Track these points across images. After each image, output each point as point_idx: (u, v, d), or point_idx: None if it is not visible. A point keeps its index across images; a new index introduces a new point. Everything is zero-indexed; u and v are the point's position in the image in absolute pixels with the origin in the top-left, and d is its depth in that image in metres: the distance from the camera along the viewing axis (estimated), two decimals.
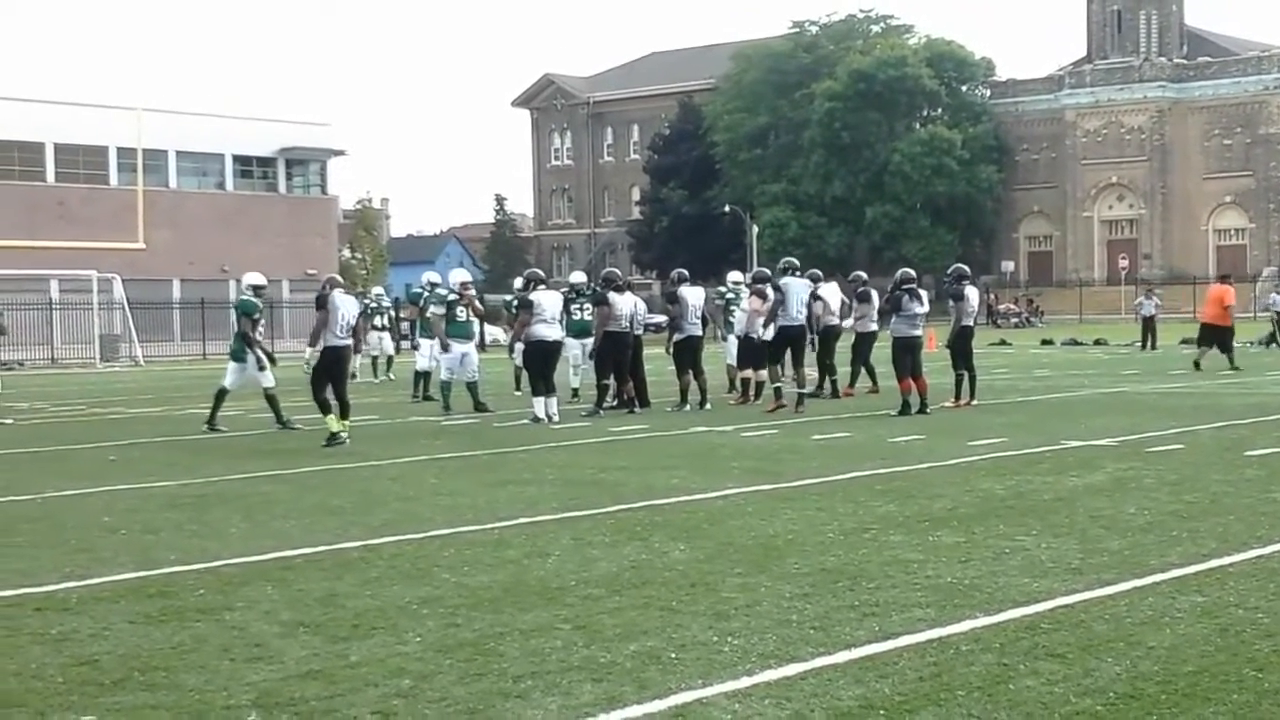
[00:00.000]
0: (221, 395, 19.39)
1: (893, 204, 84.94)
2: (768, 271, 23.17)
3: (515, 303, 22.48)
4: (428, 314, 24.54)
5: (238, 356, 19.32)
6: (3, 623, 7.46)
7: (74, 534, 10.43)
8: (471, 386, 21.55)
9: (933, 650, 6.51)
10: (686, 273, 22.62)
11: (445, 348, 21.59)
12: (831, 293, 22.95)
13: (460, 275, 22.62)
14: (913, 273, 20.95)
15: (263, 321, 19.17)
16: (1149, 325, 41.06)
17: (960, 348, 20.88)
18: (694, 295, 21.70)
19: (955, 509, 10.78)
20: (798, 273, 21.37)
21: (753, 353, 21.48)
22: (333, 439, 16.51)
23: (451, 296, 21.78)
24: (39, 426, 21.68)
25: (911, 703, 5.69)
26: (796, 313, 20.49)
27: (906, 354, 19.72)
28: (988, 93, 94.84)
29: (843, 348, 23.31)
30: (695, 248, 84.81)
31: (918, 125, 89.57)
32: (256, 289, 19.65)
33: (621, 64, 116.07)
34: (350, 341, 17.02)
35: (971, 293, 21.14)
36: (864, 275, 25.40)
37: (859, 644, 6.63)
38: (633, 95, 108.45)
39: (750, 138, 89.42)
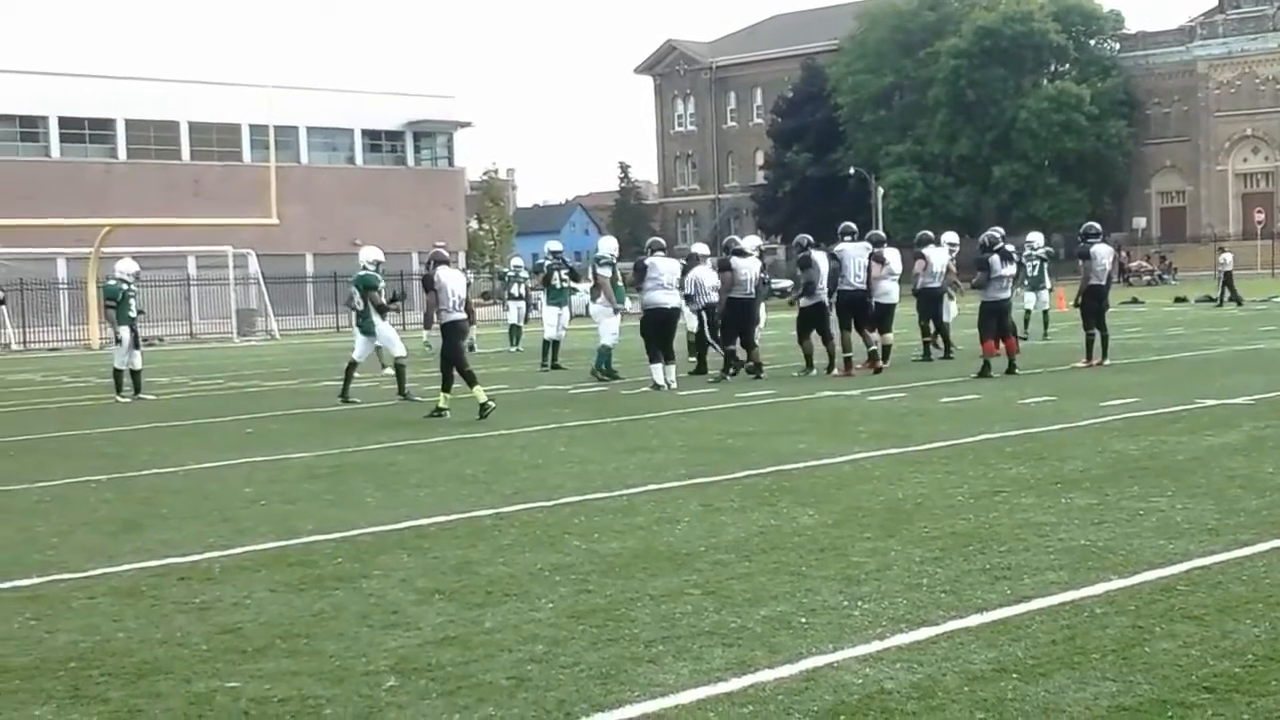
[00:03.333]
0: (352, 368, 19.71)
1: (1020, 162, 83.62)
2: (930, 234, 23.17)
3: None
4: (554, 282, 24.70)
5: (365, 329, 19.61)
6: (149, 592, 7.69)
7: (215, 505, 10.70)
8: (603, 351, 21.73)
9: (1066, 613, 6.47)
10: (811, 238, 22.36)
11: (615, 310, 21.73)
12: (939, 256, 22.85)
13: (611, 244, 22.80)
14: (999, 233, 20.52)
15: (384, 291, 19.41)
16: (1228, 280, 43.66)
17: (1090, 307, 20.58)
18: (823, 260, 21.38)
19: (1088, 470, 10.66)
20: (854, 237, 21.22)
21: (877, 316, 21.36)
22: (439, 412, 16.71)
23: (614, 260, 21.96)
24: (179, 400, 22.18)
25: (1045, 666, 5.67)
26: (854, 277, 20.45)
27: (993, 317, 19.51)
28: (1116, 46, 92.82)
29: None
30: (820, 211, 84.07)
31: (1045, 81, 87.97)
32: (377, 264, 19.95)
33: (744, 27, 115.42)
34: (464, 315, 17.15)
35: (1101, 251, 20.77)
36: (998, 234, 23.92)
37: (991, 607, 6.61)
38: (755, 59, 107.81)
39: (875, 98, 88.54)
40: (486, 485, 11.19)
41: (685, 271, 21.07)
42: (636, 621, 6.62)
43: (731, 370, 20.54)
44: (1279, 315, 35.23)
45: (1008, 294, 19.97)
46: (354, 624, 6.80)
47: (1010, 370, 19.32)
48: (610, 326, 21.76)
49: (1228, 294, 43.71)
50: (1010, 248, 20.57)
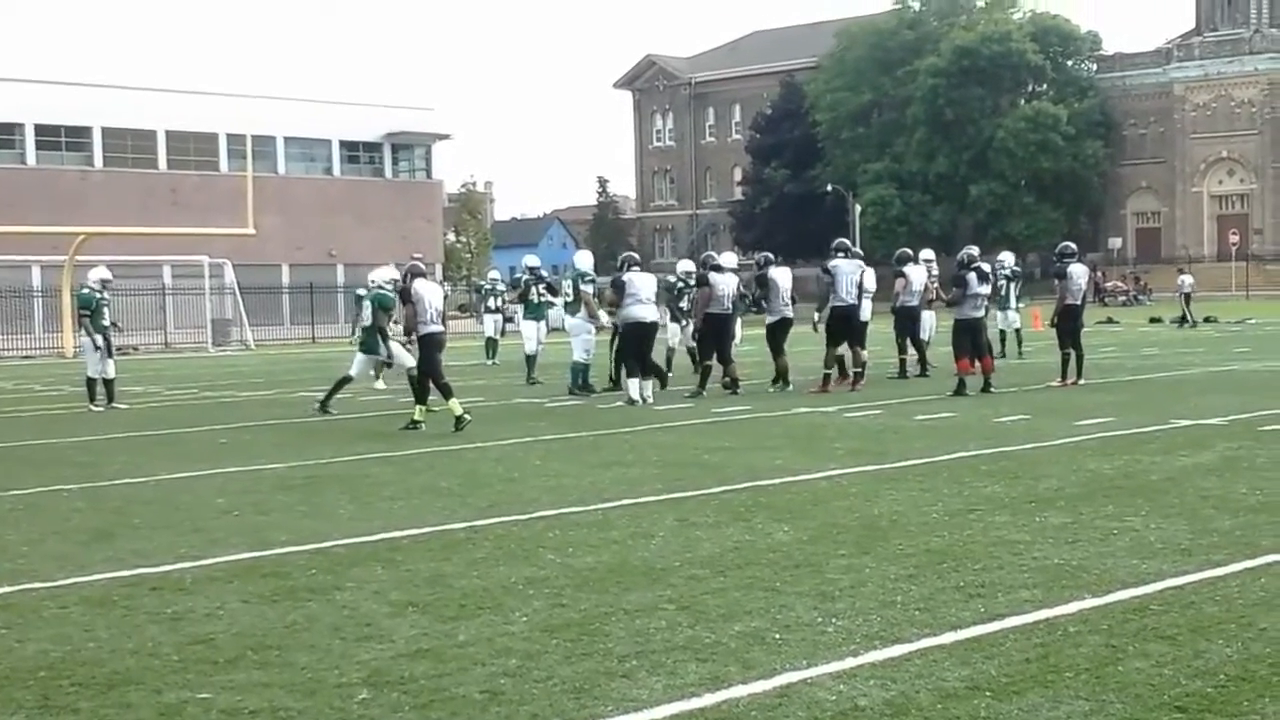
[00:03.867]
0: (343, 382, 19.52)
1: (997, 181, 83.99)
2: (909, 252, 23.25)
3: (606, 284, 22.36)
4: (531, 296, 24.66)
5: (368, 348, 19.27)
6: (121, 602, 7.64)
7: (188, 515, 10.65)
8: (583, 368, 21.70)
9: (1040, 632, 6.48)
10: (773, 255, 22.56)
11: (598, 327, 21.68)
12: (918, 274, 22.93)
13: (587, 259, 22.76)
14: (974, 251, 20.80)
15: (395, 314, 19.03)
16: (1186, 301, 44.99)
17: (1066, 326, 20.68)
18: (783, 277, 21.64)
19: (1062, 489, 10.68)
20: (847, 254, 21.29)
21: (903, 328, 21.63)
22: (414, 425, 16.69)
23: (591, 278, 21.85)
24: (153, 410, 22.10)
25: (1018, 684, 5.67)
26: (845, 293, 20.53)
27: (967, 335, 19.64)
28: (1094, 67, 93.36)
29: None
30: (797, 228, 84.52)
31: (1022, 101, 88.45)
32: (394, 283, 19.49)
33: (724, 44, 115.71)
34: (441, 327, 17.10)
35: (1076, 271, 20.89)
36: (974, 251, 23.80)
37: (964, 625, 6.61)
38: (735, 75, 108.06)
39: (853, 116, 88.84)
40: (461, 498, 11.17)
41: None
42: (610, 636, 6.61)
43: (702, 387, 20.51)
44: (1253, 337, 35.41)
45: (982, 312, 20.11)
46: (327, 636, 6.77)
47: (986, 389, 19.40)
48: (585, 343, 21.74)
49: (1188, 314, 44.69)
50: (987, 266, 20.73)
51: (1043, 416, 16.25)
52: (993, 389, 19.47)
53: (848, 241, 22.36)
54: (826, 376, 20.55)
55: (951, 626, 6.59)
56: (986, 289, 20.15)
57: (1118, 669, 5.85)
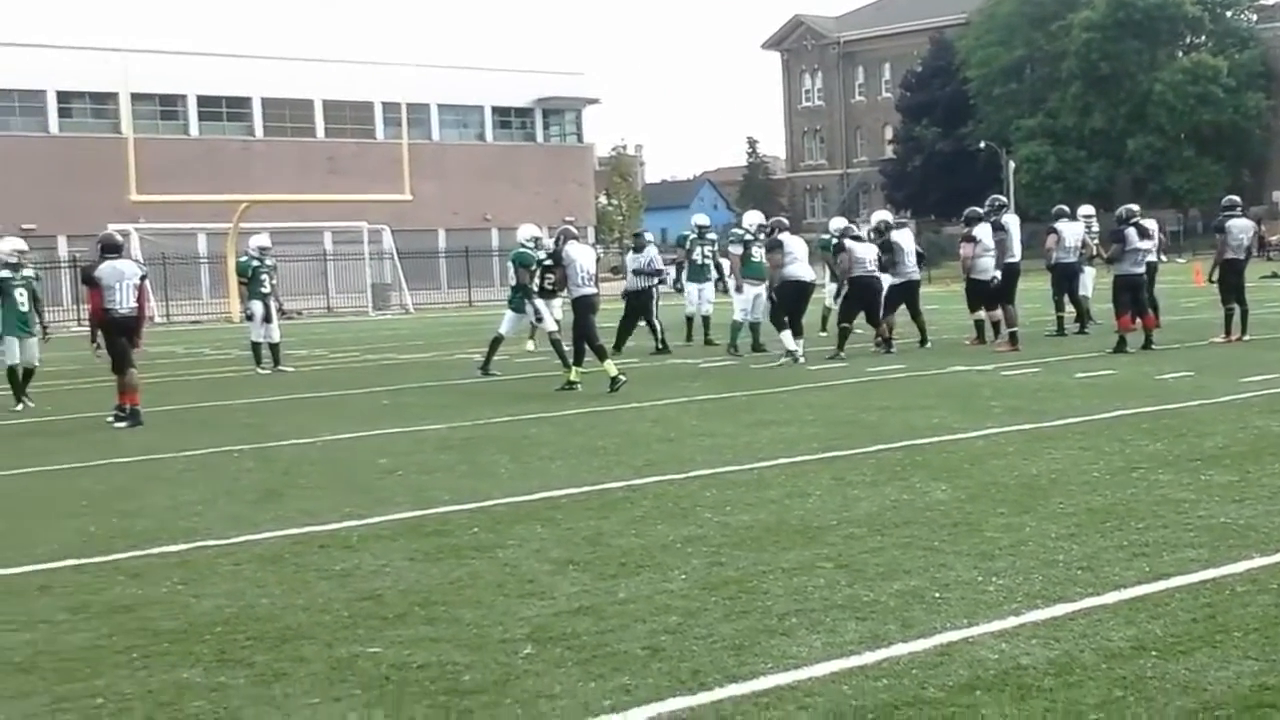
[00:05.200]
0: (497, 342, 19.89)
1: (1155, 135, 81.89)
2: (979, 211, 22.72)
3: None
4: (696, 256, 24.58)
5: (515, 306, 19.65)
6: (291, 559, 7.86)
7: (353, 475, 10.90)
8: (755, 327, 21.69)
9: (1206, 591, 6.38)
10: (890, 220, 22.39)
11: (739, 288, 21.65)
12: (1073, 230, 22.49)
13: (757, 217, 22.45)
14: (1134, 208, 20.39)
15: (538, 271, 19.29)
16: None
17: (1229, 281, 20.22)
18: (906, 239, 21.78)
19: (1228, 447, 10.47)
20: (1008, 210, 21.16)
21: (978, 294, 21.25)
22: (570, 385, 16.86)
23: (748, 237, 21.66)
24: (318, 373, 22.57)
25: (1185, 644, 5.59)
26: (1016, 250, 20.43)
27: (1128, 291, 19.30)
28: (1254, 18, 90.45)
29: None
30: (949, 185, 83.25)
31: (1180, 53, 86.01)
32: (535, 241, 19.81)
33: (872, 2, 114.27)
34: (595, 290, 17.24)
35: (1237, 225, 20.34)
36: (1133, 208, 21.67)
37: (1128, 584, 6.53)
38: (883, 33, 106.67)
39: (1005, 72, 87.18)
40: (618, 458, 11.27)
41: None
42: (769, 594, 6.64)
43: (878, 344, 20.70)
44: None
45: (1143, 268, 19.77)
46: (490, 593, 6.90)
47: (1147, 346, 19.06)
48: (741, 302, 21.72)
49: None
50: (1148, 222, 20.33)
51: (1207, 373, 15.92)
52: (1154, 346, 19.11)
53: (1003, 199, 22.12)
54: (1013, 335, 20.32)
55: (1115, 586, 6.52)
56: (1148, 244, 19.81)
57: None
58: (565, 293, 17.87)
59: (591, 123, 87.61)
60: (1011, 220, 21.22)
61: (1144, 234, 19.57)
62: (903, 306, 21.33)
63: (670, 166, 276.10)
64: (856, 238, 21.11)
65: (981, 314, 21.34)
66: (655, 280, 23.71)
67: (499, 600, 6.75)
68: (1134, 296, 19.42)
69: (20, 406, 17.13)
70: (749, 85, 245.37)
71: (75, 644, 6.27)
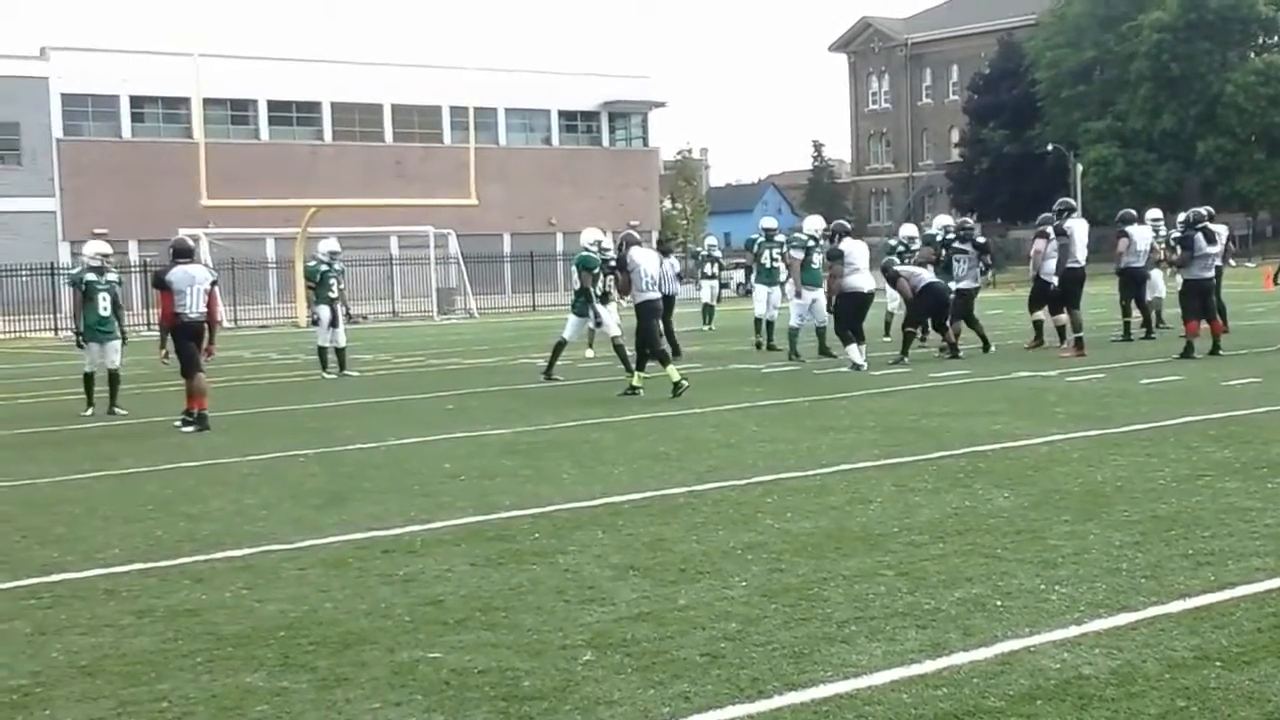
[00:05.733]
0: (560, 347, 19.94)
1: (1226, 137, 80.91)
2: (1133, 212, 22.75)
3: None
4: (764, 260, 24.56)
5: (578, 310, 19.70)
6: (354, 564, 7.92)
7: (417, 479, 10.96)
8: (820, 332, 21.64)
9: (1273, 601, 6.32)
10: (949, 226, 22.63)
11: (798, 293, 21.59)
12: (1143, 234, 22.34)
13: (819, 223, 22.40)
14: (1204, 211, 20.15)
15: (601, 275, 19.36)
16: None
17: None
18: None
19: None
20: (1076, 213, 21.05)
21: (1041, 296, 21.16)
22: (632, 390, 16.86)
23: (810, 243, 21.60)
24: (383, 377, 22.71)
25: (1250, 654, 5.54)
26: (1079, 255, 20.26)
27: (1197, 297, 19.13)
28: None
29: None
30: (1016, 189, 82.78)
31: (1252, 54, 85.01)
32: (598, 245, 19.84)
33: (940, 3, 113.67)
34: (658, 295, 17.23)
35: None
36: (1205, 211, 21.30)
37: (1193, 594, 6.48)
38: (952, 35, 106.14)
39: (1074, 74, 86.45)
40: (680, 463, 11.28)
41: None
42: (829, 601, 6.63)
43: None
44: None
45: (1212, 273, 19.56)
46: (551, 598, 6.93)
47: (1214, 352, 18.87)
48: (798, 307, 21.68)
49: None
50: (1217, 227, 20.12)
51: (1274, 380, 15.74)
52: (1221, 352, 18.91)
53: (1072, 201, 22.01)
54: (1079, 340, 20.19)
55: (1180, 595, 6.46)
56: (1216, 249, 19.57)
57: None
58: (629, 298, 17.90)
59: (657, 126, 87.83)
60: (1078, 224, 21.09)
61: (1211, 239, 19.37)
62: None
63: (735, 170, 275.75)
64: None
65: (1040, 315, 21.23)
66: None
67: (559, 606, 6.78)
68: (1203, 302, 19.25)
69: (89, 411, 17.31)
70: (815, 88, 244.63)
71: (140, 648, 6.35)
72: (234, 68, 63.22)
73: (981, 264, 21.84)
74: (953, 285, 21.26)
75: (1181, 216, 22.57)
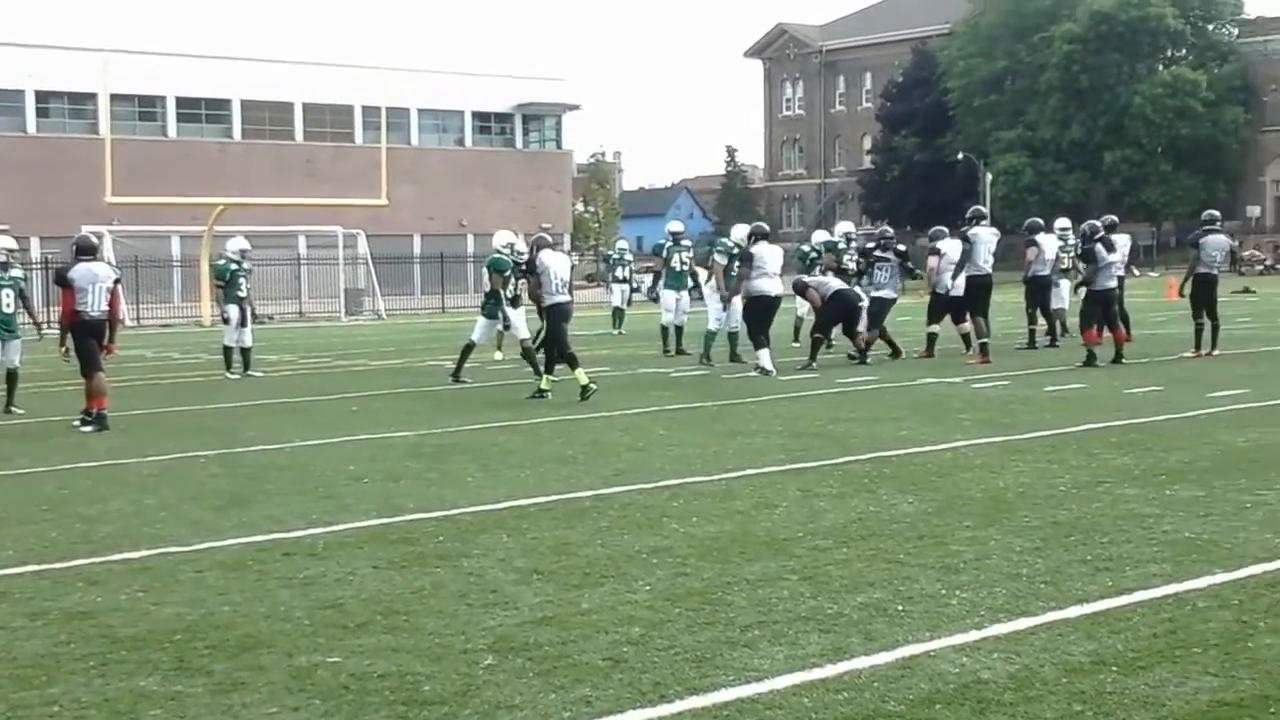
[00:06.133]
0: (468, 349, 19.82)
1: (1133, 148, 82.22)
2: (1040, 221, 23.17)
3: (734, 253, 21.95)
4: (674, 264, 24.57)
5: (488, 312, 19.61)
6: (254, 566, 7.82)
7: (320, 482, 10.85)
8: (731, 337, 21.67)
9: (1168, 606, 6.40)
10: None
11: (726, 300, 21.51)
12: (1050, 243, 22.68)
13: (744, 231, 22.29)
14: (1097, 223, 20.80)
15: (513, 279, 19.30)
16: None
17: (1200, 296, 20.31)
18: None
19: (1194, 462, 10.51)
20: (984, 221, 21.30)
21: (939, 308, 21.41)
22: (540, 394, 16.82)
23: (736, 250, 21.56)
24: (287, 378, 22.48)
25: (1145, 659, 5.61)
26: (984, 262, 20.53)
27: (1099, 306, 19.49)
28: (1235, 32, 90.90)
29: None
30: (926, 196, 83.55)
31: (1160, 67, 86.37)
32: (511, 247, 19.78)
33: (855, 11, 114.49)
34: (568, 297, 17.20)
35: (1212, 241, 20.43)
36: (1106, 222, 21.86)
37: (1091, 599, 6.55)
38: (866, 43, 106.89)
39: (985, 83, 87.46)
40: (586, 467, 11.25)
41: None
42: (733, 606, 6.64)
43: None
44: None
45: (1115, 282, 19.87)
46: (453, 602, 6.88)
47: (1117, 360, 19.14)
48: (716, 311, 21.73)
49: None
50: (1120, 238, 20.57)
51: (1175, 388, 15.98)
52: (1124, 360, 19.19)
53: (983, 210, 22.27)
54: (984, 347, 20.40)
55: (1078, 600, 6.53)
56: (1116, 256, 19.96)
57: (1248, 645, 5.76)
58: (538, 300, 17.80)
59: (571, 129, 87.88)
60: (985, 232, 21.30)
61: (1110, 247, 19.75)
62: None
63: (648, 174, 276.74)
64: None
65: (936, 327, 21.42)
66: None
67: (461, 610, 6.73)
68: (1104, 311, 19.55)
69: None
70: (729, 93, 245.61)
71: (32, 651, 6.23)
72: (142, 64, 62.37)
73: (903, 271, 21.96)
74: (872, 293, 21.45)
75: (1063, 224, 23.03)
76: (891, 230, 22.29)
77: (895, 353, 21.27)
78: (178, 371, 24.64)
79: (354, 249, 56.96)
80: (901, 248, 21.91)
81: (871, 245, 22.25)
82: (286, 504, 9.86)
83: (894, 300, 21.92)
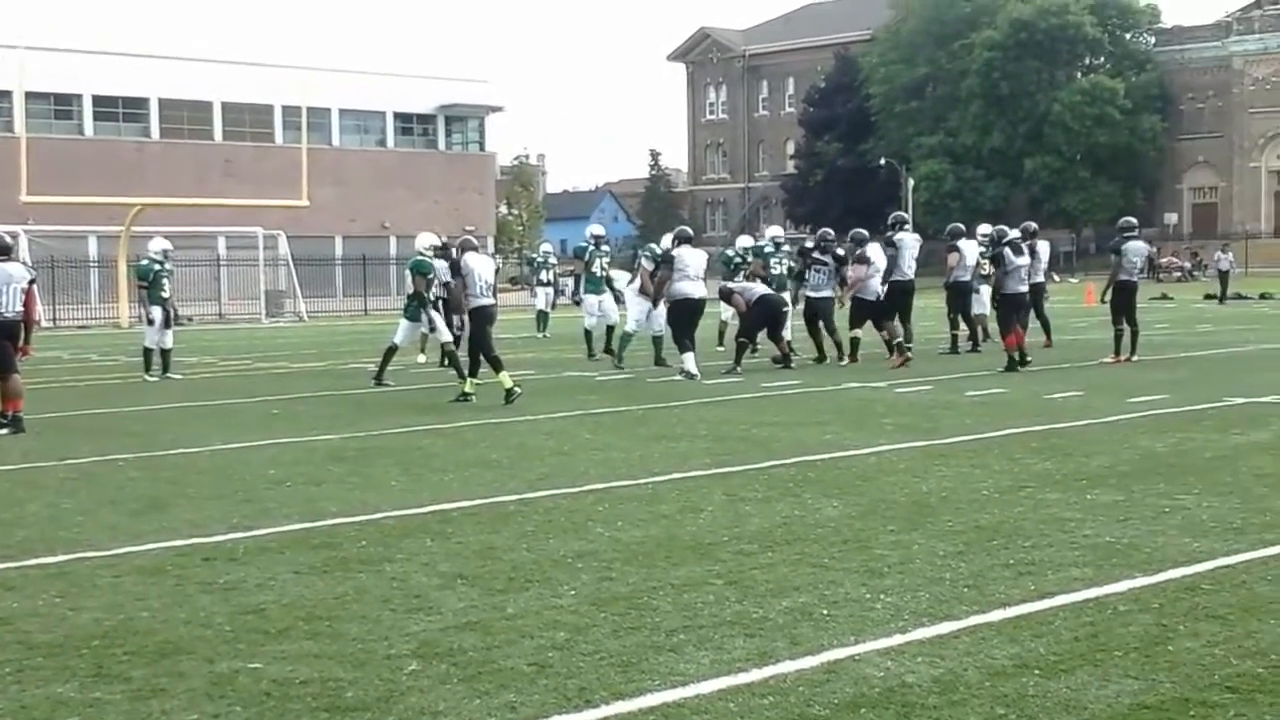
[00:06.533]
0: (391, 352, 19.72)
1: (1052, 155, 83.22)
2: (962, 227, 23.36)
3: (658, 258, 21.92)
4: (595, 268, 24.54)
5: (411, 315, 19.54)
6: (173, 571, 7.72)
7: (241, 486, 10.74)
8: (655, 341, 21.67)
9: (1089, 610, 6.45)
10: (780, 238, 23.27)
11: (655, 303, 21.47)
12: (971, 249, 22.86)
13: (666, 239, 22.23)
14: (1005, 229, 21.40)
15: (436, 280, 19.26)
16: (1224, 279, 45.31)
17: (1120, 302, 20.57)
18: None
19: (1114, 467, 10.62)
20: (908, 226, 21.53)
21: (860, 314, 21.57)
22: (464, 397, 16.75)
23: (661, 256, 21.53)
24: (207, 381, 22.26)
25: (1067, 662, 5.65)
26: (907, 267, 20.72)
27: (1012, 310, 19.81)
28: (1152, 40, 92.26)
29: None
30: (849, 201, 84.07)
31: (1079, 74, 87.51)
32: (434, 250, 19.76)
33: (778, 16, 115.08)
34: (492, 300, 17.15)
35: (1133, 247, 20.74)
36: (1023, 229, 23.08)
37: (1014, 603, 6.59)
38: (789, 48, 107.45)
39: (907, 89, 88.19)
40: (511, 471, 11.21)
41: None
42: (658, 610, 6.63)
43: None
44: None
45: (1025, 286, 20.22)
46: (376, 607, 6.82)
47: (1023, 362, 19.34)
48: (636, 313, 21.73)
49: (1221, 291, 44.82)
50: (1039, 243, 20.98)
51: (1095, 393, 16.15)
52: (1026, 364, 19.34)
53: (905, 215, 22.42)
54: (899, 347, 20.58)
55: (1000, 604, 6.57)
56: (1025, 260, 20.27)
57: (1168, 648, 5.82)
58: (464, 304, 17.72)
59: (494, 131, 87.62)
60: (908, 237, 21.46)
61: (1018, 251, 20.11)
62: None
63: (572, 177, 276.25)
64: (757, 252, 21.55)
65: (859, 332, 21.49)
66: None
67: (385, 615, 6.67)
68: (1018, 315, 19.97)
69: None
70: (653, 97, 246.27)
71: None
72: (58, 61, 61.48)
73: (839, 275, 22.00)
74: (809, 294, 21.55)
75: (985, 230, 23.29)
76: (833, 233, 22.25)
77: (820, 357, 21.38)
78: (95, 374, 24.33)
79: (274, 250, 56.53)
80: (841, 252, 21.89)
81: (811, 246, 22.28)
82: (206, 508, 9.74)
83: (833, 299, 21.83)
